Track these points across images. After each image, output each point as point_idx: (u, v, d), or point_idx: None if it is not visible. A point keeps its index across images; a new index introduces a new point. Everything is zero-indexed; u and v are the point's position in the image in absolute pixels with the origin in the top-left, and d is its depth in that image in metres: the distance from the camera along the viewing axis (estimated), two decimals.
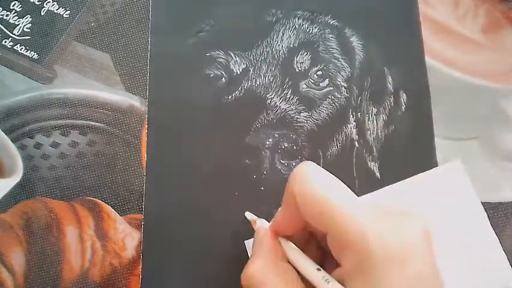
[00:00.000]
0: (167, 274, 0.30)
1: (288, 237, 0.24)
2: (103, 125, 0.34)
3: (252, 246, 0.26)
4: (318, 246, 0.25)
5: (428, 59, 0.34)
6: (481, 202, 0.30)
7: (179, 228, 0.31)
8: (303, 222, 0.23)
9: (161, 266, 0.30)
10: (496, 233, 0.29)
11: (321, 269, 0.22)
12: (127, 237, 0.31)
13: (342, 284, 0.21)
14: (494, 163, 0.32)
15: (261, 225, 0.26)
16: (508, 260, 0.28)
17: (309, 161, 0.23)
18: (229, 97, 0.33)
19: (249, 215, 0.29)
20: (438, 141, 0.32)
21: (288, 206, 0.23)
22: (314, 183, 0.21)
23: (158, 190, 0.32)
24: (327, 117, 0.32)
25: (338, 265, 0.21)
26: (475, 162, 0.32)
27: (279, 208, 0.24)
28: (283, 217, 0.24)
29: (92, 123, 0.34)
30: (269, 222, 0.26)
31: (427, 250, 0.19)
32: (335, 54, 0.34)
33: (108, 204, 0.32)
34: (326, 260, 0.24)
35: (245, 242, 0.30)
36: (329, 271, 0.22)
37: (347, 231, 0.20)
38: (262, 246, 0.24)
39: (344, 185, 0.22)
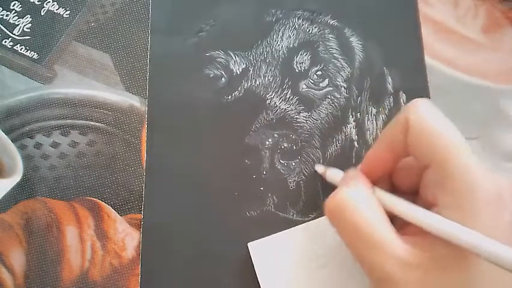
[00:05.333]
0: (166, 274, 0.30)
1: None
2: (103, 125, 0.34)
3: (340, 180, 0.27)
4: None
5: (428, 59, 0.34)
6: None
7: (178, 229, 0.31)
8: (396, 160, 0.24)
9: (160, 266, 0.30)
10: None
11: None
12: (127, 237, 0.31)
13: None
14: (494, 163, 0.32)
15: (335, 172, 0.29)
16: None
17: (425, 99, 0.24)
18: (229, 97, 0.33)
19: (319, 167, 0.31)
20: None
21: (390, 137, 0.24)
22: (434, 115, 0.22)
23: (158, 190, 0.32)
24: (326, 118, 0.32)
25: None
26: None
27: (370, 149, 0.25)
28: (380, 150, 0.25)
29: (92, 123, 0.34)
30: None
31: None
32: (334, 55, 0.33)
33: (108, 204, 0.32)
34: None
35: (248, 244, 0.30)
36: None
37: (456, 165, 0.21)
38: (354, 177, 0.25)
39: None
